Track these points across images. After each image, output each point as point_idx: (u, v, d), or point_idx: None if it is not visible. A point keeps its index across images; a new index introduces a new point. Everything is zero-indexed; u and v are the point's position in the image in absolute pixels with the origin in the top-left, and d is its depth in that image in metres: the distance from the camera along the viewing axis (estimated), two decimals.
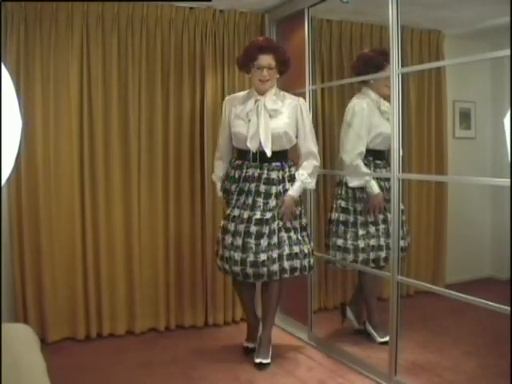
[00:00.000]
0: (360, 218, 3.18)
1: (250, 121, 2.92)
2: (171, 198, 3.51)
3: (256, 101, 2.94)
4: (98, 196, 3.33)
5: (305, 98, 3.24)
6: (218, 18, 3.57)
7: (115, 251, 3.39)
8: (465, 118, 4.06)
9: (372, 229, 3.17)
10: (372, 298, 3.27)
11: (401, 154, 2.69)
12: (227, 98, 3.15)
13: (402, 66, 2.64)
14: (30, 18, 3.13)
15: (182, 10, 3.48)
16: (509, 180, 2.10)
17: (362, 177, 3.14)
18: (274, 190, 2.92)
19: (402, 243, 2.97)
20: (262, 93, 2.95)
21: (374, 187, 3.13)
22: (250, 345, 3.14)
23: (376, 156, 3.17)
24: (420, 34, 3.78)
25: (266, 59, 2.88)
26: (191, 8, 3.50)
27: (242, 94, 3.11)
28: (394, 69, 2.62)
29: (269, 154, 2.89)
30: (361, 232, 3.16)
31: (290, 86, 3.28)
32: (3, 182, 1.41)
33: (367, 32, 3.69)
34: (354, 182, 3.18)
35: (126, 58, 3.36)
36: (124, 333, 3.46)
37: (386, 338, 3.09)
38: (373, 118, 3.15)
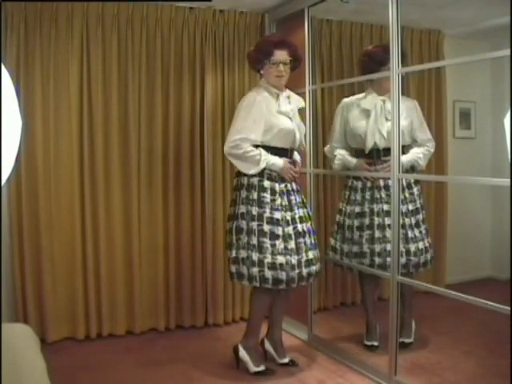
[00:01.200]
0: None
1: (291, 118, 2.91)
2: (171, 198, 3.51)
3: (286, 97, 2.94)
4: (98, 196, 3.33)
5: (305, 97, 3.24)
6: (218, 18, 3.57)
7: (115, 251, 3.39)
8: (465, 118, 4.07)
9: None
10: (368, 300, 3.21)
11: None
12: (261, 97, 2.84)
13: (402, 66, 2.64)
14: (30, 18, 3.13)
15: (182, 10, 3.48)
16: (509, 180, 2.10)
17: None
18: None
19: (421, 246, 3.03)
20: (280, 88, 2.93)
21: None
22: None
23: (355, 155, 3.15)
24: (420, 34, 3.78)
25: (282, 54, 2.87)
26: (191, 8, 3.51)
27: (261, 91, 2.91)
28: (394, 69, 2.62)
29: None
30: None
31: (290, 86, 3.27)
32: (3, 182, 1.41)
33: (367, 32, 3.70)
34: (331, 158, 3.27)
35: (126, 58, 3.36)
36: (124, 333, 3.46)
37: (375, 343, 3.10)
38: (352, 116, 3.14)
